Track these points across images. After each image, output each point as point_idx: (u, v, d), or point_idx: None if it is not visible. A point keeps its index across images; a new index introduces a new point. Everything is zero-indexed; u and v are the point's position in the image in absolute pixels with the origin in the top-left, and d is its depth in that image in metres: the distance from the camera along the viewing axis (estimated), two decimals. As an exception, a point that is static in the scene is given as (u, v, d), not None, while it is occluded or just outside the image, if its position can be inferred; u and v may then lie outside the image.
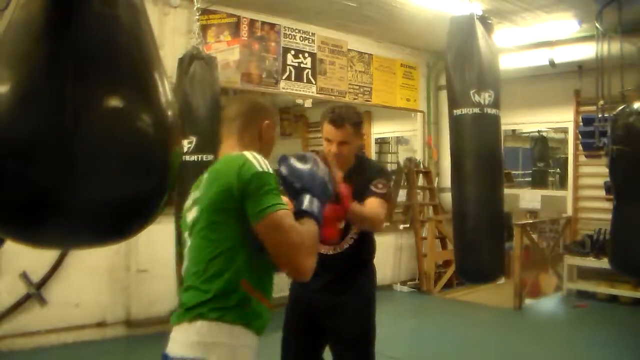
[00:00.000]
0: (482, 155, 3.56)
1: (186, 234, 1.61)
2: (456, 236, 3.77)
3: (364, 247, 2.45)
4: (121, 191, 1.38)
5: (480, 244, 3.59)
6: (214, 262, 1.47)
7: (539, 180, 9.59)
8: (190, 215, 1.58)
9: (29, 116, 1.27)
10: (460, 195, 3.63)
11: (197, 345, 1.43)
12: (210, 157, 3.67)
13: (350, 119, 2.36)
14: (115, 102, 1.36)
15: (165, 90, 1.48)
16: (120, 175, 1.36)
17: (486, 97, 3.57)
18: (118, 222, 1.46)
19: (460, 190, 3.63)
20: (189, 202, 1.63)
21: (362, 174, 2.41)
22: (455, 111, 3.67)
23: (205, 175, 1.60)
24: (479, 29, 3.67)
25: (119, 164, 1.35)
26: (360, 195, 2.31)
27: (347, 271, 2.41)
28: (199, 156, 3.80)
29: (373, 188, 2.35)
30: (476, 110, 3.55)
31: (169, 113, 1.47)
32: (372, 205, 2.32)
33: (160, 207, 1.53)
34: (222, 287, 1.45)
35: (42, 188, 1.29)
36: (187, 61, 3.98)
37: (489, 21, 3.84)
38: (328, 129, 2.35)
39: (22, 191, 1.30)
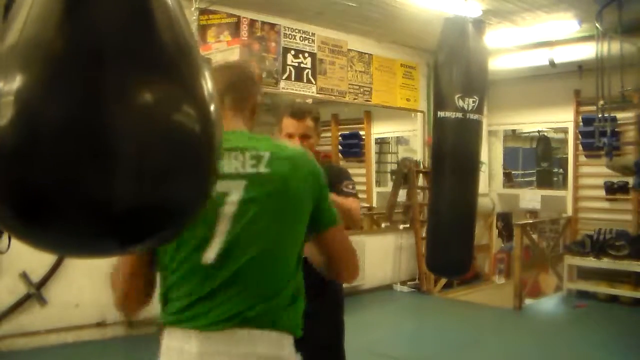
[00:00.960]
0: (460, 158, 3.78)
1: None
2: (428, 232, 4.02)
3: None
4: (160, 192, 1.24)
5: (450, 241, 3.80)
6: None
7: (543, 180, 9.59)
8: (233, 208, 1.29)
9: (56, 110, 1.14)
10: (436, 193, 3.89)
11: None
12: None
13: (310, 113, 2.35)
14: (152, 91, 1.20)
15: (207, 81, 1.33)
16: (160, 174, 1.22)
17: (470, 102, 3.67)
18: (157, 229, 1.37)
19: (436, 189, 3.90)
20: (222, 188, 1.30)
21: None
22: (439, 112, 3.81)
23: (261, 170, 1.30)
24: (471, 31, 3.71)
25: (158, 161, 1.20)
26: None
27: (314, 278, 2.34)
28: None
29: (345, 189, 2.34)
30: (459, 115, 3.67)
31: (212, 107, 1.39)
32: (350, 201, 2.33)
33: (200, 211, 1.46)
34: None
35: (73, 187, 1.16)
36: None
37: (483, 24, 3.89)
38: (289, 122, 2.31)
39: (52, 193, 1.16)
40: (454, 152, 3.71)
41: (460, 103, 3.64)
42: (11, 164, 1.14)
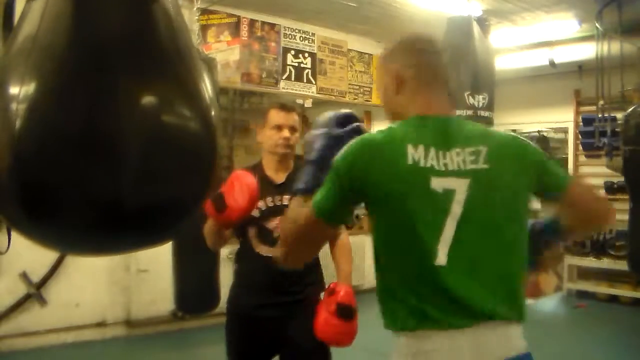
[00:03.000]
0: None
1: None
2: None
3: None
4: (167, 191, 1.29)
5: None
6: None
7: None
8: (459, 206, 1.24)
9: (67, 115, 1.19)
10: None
11: None
12: None
13: (296, 109, 2.36)
14: (158, 97, 1.27)
15: (207, 84, 1.39)
16: (167, 174, 1.28)
17: (480, 99, 3.63)
18: (165, 222, 1.36)
19: None
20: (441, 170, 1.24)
21: None
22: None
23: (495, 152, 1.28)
24: (476, 30, 3.69)
25: (165, 162, 1.26)
26: None
27: (297, 278, 2.24)
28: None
29: None
30: (470, 112, 3.61)
31: (213, 110, 1.39)
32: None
33: (201, 207, 1.46)
34: None
35: (85, 188, 1.21)
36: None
37: (487, 22, 3.87)
38: (279, 115, 2.27)
39: (63, 193, 1.22)
40: None
41: (471, 100, 3.60)
42: (25, 167, 1.21)
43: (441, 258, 1.21)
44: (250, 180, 2.06)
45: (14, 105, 1.19)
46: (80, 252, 1.73)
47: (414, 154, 1.23)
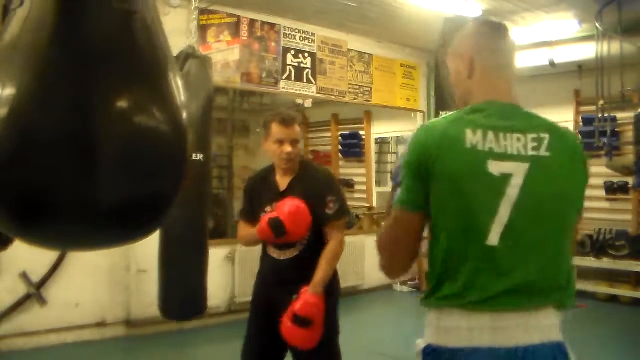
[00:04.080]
0: None
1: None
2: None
3: (317, 249, 2.46)
4: (140, 190, 1.38)
5: None
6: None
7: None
8: (516, 190, 1.27)
9: (47, 117, 1.26)
10: None
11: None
12: (200, 156, 3.60)
13: (297, 119, 2.48)
14: (133, 101, 1.35)
15: (180, 90, 1.48)
16: (140, 174, 1.36)
17: None
18: (137, 221, 1.45)
19: None
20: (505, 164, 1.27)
21: (310, 181, 2.48)
22: (441, 112, 3.75)
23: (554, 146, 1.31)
24: None
25: (138, 163, 1.34)
26: (316, 215, 2.38)
27: (304, 273, 2.40)
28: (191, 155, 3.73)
29: (328, 211, 2.43)
30: None
31: (183, 113, 1.48)
32: (332, 236, 2.45)
33: (173, 206, 1.54)
34: None
35: (64, 189, 1.28)
36: (182, 60, 3.97)
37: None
38: (280, 129, 2.42)
39: (43, 192, 1.29)
40: None
41: None
42: (4, 167, 1.26)
43: (493, 238, 1.24)
44: (304, 209, 2.34)
45: None
46: (64, 248, 1.80)
47: (472, 138, 1.26)
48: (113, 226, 1.37)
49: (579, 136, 6.73)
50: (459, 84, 1.45)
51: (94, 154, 1.27)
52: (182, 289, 3.39)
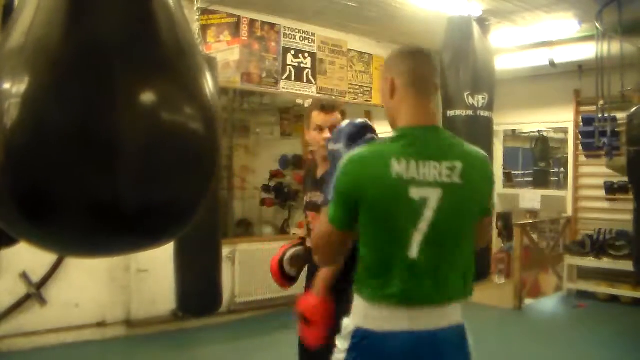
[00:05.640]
0: None
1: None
2: None
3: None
4: (165, 193, 1.26)
5: None
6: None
7: (540, 181, 9.57)
8: (431, 212, 1.48)
9: (62, 114, 1.15)
10: None
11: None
12: None
13: (339, 107, 2.45)
14: (156, 94, 1.23)
15: (209, 81, 1.35)
16: (165, 175, 1.25)
17: (480, 99, 3.63)
18: (164, 224, 1.34)
19: None
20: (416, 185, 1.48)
21: None
22: (449, 112, 3.74)
23: (459, 167, 1.51)
24: (476, 30, 3.69)
25: (163, 163, 1.23)
26: None
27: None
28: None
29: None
30: (470, 112, 3.62)
31: (214, 107, 1.35)
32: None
33: (202, 208, 1.42)
34: None
35: (80, 191, 1.18)
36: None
37: (487, 22, 3.86)
38: (320, 116, 2.40)
39: (58, 194, 1.19)
40: None
41: (471, 100, 3.61)
42: (18, 165, 1.15)
43: (413, 251, 1.48)
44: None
45: (6, 102, 1.15)
46: (76, 254, 1.68)
47: (397, 167, 1.46)
48: (133, 231, 1.25)
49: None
50: (385, 104, 1.63)
51: (114, 151, 1.15)
52: (199, 285, 3.40)
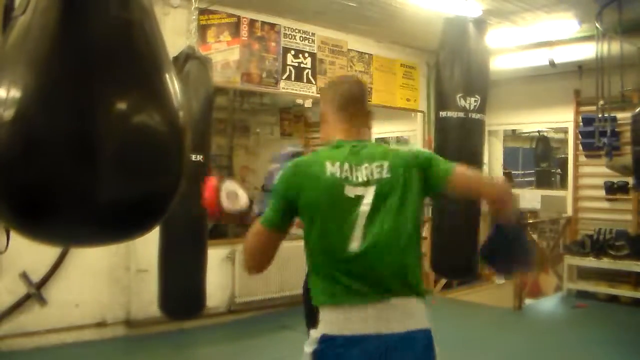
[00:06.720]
0: (463, 158, 3.72)
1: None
2: (433, 232, 3.92)
3: None
4: (138, 188, 1.45)
5: (456, 243, 3.71)
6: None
7: (542, 181, 9.57)
8: (367, 207, 1.60)
9: (50, 119, 1.33)
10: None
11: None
12: (200, 157, 3.59)
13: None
14: (132, 104, 1.42)
15: (177, 92, 1.55)
16: (138, 173, 1.43)
17: (472, 102, 3.65)
18: (136, 219, 1.53)
19: None
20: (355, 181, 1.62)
21: None
22: (441, 112, 3.77)
23: (386, 163, 1.64)
24: (472, 32, 3.70)
25: (136, 162, 1.41)
26: None
27: None
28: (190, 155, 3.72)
29: None
30: (461, 114, 3.64)
31: (180, 114, 1.55)
32: None
33: (172, 204, 1.61)
34: None
35: (66, 188, 1.35)
36: (182, 60, 3.97)
37: (484, 23, 3.87)
38: None
39: (46, 190, 1.36)
40: (455, 152, 3.66)
41: (462, 102, 3.62)
42: (9, 166, 1.33)
43: (354, 246, 1.57)
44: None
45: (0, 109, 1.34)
46: (63, 244, 1.84)
47: (331, 168, 1.61)
48: (112, 223, 1.45)
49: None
50: (321, 125, 1.83)
51: (94, 154, 1.35)
52: (181, 288, 3.39)
